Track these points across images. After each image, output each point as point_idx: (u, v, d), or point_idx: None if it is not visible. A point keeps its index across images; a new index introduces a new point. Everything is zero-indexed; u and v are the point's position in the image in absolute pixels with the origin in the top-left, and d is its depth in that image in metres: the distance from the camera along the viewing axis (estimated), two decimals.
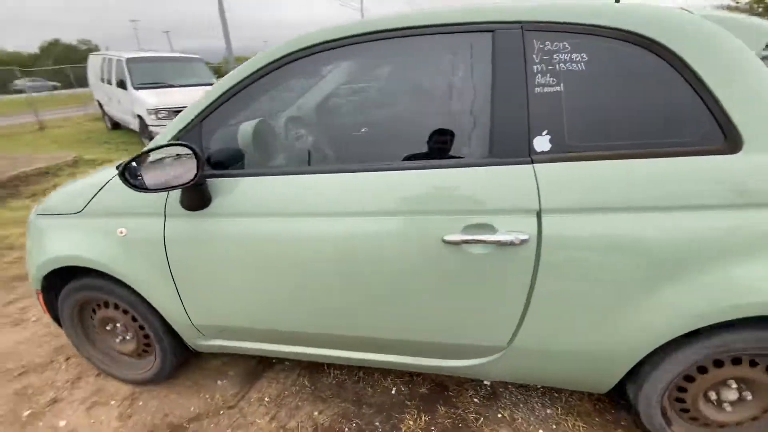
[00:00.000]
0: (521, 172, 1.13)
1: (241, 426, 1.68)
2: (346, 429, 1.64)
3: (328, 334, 1.49)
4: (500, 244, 1.15)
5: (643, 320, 1.16)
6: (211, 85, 6.02)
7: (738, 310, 1.09)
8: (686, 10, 1.12)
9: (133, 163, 1.28)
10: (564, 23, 1.12)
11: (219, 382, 1.92)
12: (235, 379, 1.92)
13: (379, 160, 1.28)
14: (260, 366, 1.99)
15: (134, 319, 1.75)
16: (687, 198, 1.06)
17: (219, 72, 17.76)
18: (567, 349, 1.28)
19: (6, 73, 21.75)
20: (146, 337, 1.80)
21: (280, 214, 1.32)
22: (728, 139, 1.05)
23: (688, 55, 1.06)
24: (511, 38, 1.15)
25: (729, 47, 1.06)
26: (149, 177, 1.28)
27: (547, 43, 1.13)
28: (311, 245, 1.30)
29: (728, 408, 1.33)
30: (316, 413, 1.72)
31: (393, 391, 1.81)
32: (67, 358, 2.11)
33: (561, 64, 1.13)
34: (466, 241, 1.17)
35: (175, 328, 1.66)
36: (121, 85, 7.46)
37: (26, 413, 1.80)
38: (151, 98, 6.74)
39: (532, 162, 1.13)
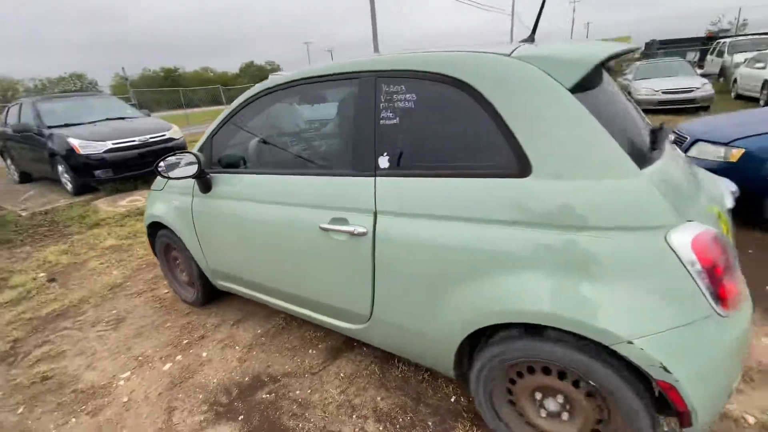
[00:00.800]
0: (367, 182, 1.53)
1: (317, 391, 1.99)
2: (401, 419, 1.79)
3: (273, 287, 2.09)
4: (350, 233, 1.56)
5: (450, 311, 1.39)
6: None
7: (499, 315, 1.27)
8: (504, 54, 1.28)
9: (161, 163, 2.25)
10: (401, 70, 1.46)
11: (310, 351, 2.29)
12: (323, 352, 2.26)
13: (291, 167, 2.03)
14: (344, 346, 2.29)
15: (185, 261, 2.69)
16: (483, 212, 1.28)
17: None
18: (409, 327, 1.56)
19: (214, 89, 29.17)
20: (190, 274, 2.70)
21: (245, 199, 1.99)
22: (520, 166, 1.23)
23: (489, 94, 1.27)
24: (368, 84, 1.53)
25: (531, 87, 1.21)
26: (170, 170, 2.27)
27: (391, 86, 1.47)
28: (256, 221, 1.93)
29: (544, 415, 1.43)
30: (378, 398, 1.91)
31: (452, 399, 1.87)
32: (213, 310, 2.80)
33: (398, 102, 1.46)
34: (332, 230, 1.61)
35: (202, 268, 2.49)
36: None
37: (185, 341, 2.49)
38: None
39: (375, 176, 1.52)
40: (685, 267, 1.07)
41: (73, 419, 1.99)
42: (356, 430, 1.76)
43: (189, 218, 2.34)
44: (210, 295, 2.73)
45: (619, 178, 1.12)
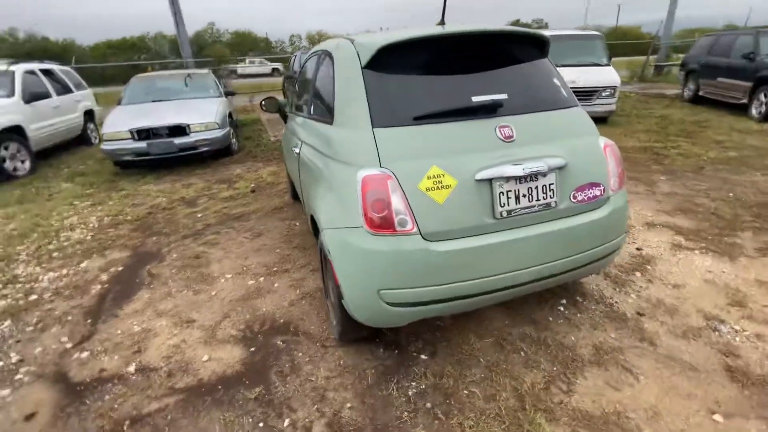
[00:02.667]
0: (300, 121, 2.75)
1: (313, 363, 1.99)
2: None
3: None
4: (296, 153, 2.64)
5: (306, 199, 2.51)
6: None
7: (310, 212, 2.43)
8: (350, 39, 2.04)
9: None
10: (322, 50, 2.51)
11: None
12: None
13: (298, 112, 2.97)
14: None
15: None
16: (319, 145, 2.12)
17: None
18: (305, 202, 2.56)
19: None
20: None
21: (290, 131, 3.12)
22: (331, 117, 1.98)
23: (335, 65, 2.06)
24: (325, 56, 2.35)
25: (347, 62, 1.92)
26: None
27: (322, 58, 2.46)
28: (296, 150, 2.71)
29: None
30: (348, 405, 1.74)
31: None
32: (310, 252, 3.10)
33: (306, 67, 2.97)
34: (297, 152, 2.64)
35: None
36: None
37: (274, 269, 2.90)
38: None
39: (305, 119, 2.64)
40: (357, 193, 1.61)
41: (185, 291, 2.70)
42: (306, 421, 1.68)
43: (289, 136, 3.27)
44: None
45: (358, 130, 1.73)
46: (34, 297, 2.78)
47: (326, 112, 2.07)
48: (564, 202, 1.77)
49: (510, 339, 2.08)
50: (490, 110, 1.74)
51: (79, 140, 7.61)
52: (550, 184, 1.72)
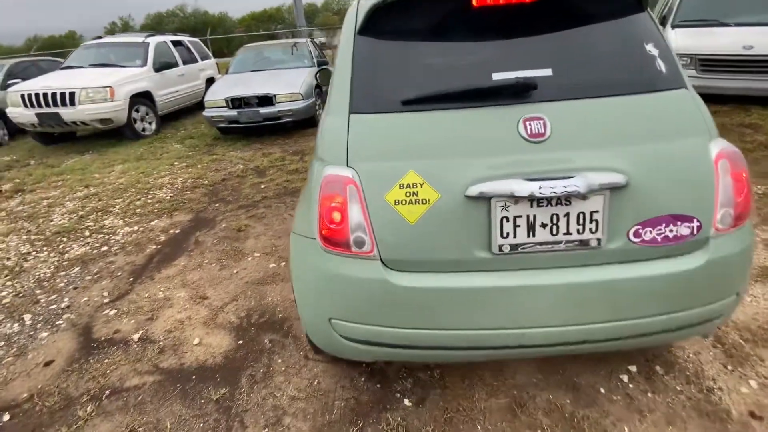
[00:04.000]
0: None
1: (287, 375, 1.79)
2: None
3: None
4: None
5: None
6: None
7: None
8: None
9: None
10: None
11: None
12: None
13: None
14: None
15: None
16: None
17: None
18: None
19: None
20: None
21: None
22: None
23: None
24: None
25: (347, 24, 1.46)
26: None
27: None
28: None
29: None
30: None
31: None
32: None
33: None
34: None
35: None
36: None
37: None
38: None
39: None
40: (315, 197, 1.28)
41: (214, 264, 2.75)
42: None
43: None
44: None
45: (337, 116, 1.33)
46: (105, 248, 3.14)
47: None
48: (616, 240, 1.16)
49: (531, 406, 1.56)
50: (517, 93, 1.19)
51: (200, 105, 8.59)
52: (592, 212, 1.13)
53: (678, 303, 1.20)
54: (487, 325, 1.18)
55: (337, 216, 1.21)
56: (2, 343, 2.19)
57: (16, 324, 2.33)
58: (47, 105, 5.81)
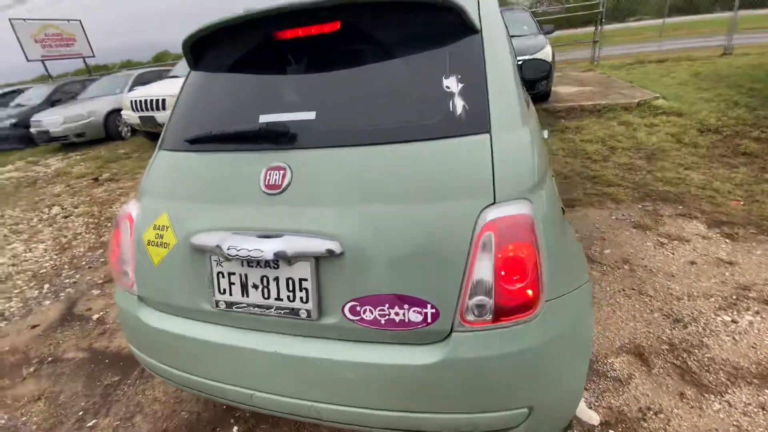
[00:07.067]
0: None
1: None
2: None
3: None
4: None
5: None
6: None
7: None
8: None
9: None
10: None
11: None
12: None
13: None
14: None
15: None
16: None
17: None
18: None
19: None
20: None
21: None
22: None
23: None
24: None
25: None
26: None
27: None
28: None
29: None
30: None
31: None
32: None
33: None
34: None
35: None
36: None
37: None
38: None
39: None
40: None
41: None
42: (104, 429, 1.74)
43: None
44: None
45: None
46: None
47: None
48: (331, 314, 1.06)
49: None
50: (276, 138, 1.14)
51: None
52: (301, 280, 1.05)
53: (415, 403, 1.03)
54: (221, 378, 1.19)
55: (115, 249, 1.33)
56: (21, 304, 2.84)
57: (36, 290, 2.99)
58: (146, 109, 7.09)
